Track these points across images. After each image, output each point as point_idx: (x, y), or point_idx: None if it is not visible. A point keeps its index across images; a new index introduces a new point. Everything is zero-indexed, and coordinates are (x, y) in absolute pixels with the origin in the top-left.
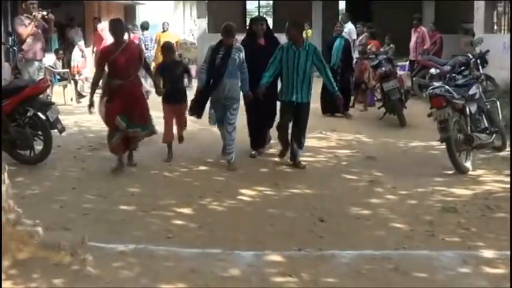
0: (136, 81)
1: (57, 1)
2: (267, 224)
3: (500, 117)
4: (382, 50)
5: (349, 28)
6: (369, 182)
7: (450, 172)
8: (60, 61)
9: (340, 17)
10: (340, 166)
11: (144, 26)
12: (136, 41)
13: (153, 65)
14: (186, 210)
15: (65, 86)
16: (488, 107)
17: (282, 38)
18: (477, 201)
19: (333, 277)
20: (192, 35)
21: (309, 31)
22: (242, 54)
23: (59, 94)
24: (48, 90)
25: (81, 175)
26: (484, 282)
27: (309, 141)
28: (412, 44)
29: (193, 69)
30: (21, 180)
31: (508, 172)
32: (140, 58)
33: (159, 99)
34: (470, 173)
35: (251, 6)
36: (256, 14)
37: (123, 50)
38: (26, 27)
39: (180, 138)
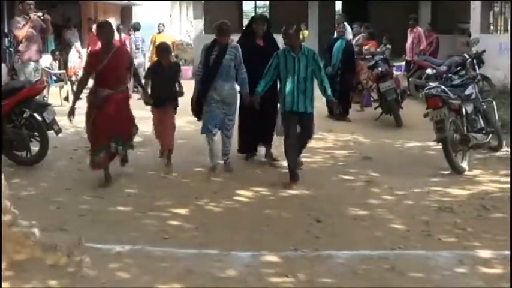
0: (125, 91)
1: (54, 2)
2: (263, 224)
3: (497, 117)
4: (378, 50)
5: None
6: (365, 183)
7: (446, 172)
8: (57, 62)
9: (336, 17)
10: (336, 167)
11: (135, 27)
12: (127, 42)
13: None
14: (182, 211)
15: (61, 87)
16: (485, 107)
17: (279, 39)
18: (473, 201)
19: (329, 277)
20: (189, 35)
21: (305, 32)
22: (239, 53)
23: (55, 95)
24: (45, 91)
25: (77, 176)
26: (480, 282)
27: None
28: (408, 44)
29: (189, 70)
30: (17, 181)
31: (504, 172)
32: (130, 64)
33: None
34: (466, 173)
35: (248, 7)
36: (253, 14)
37: (113, 56)
38: (21, 29)
39: (169, 151)
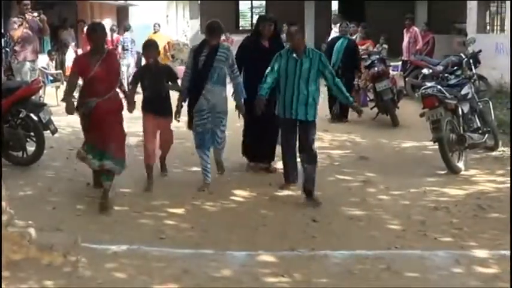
0: (115, 98)
1: (50, 2)
2: (259, 224)
3: (493, 117)
4: (375, 50)
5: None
6: (361, 182)
7: (443, 172)
8: (53, 62)
9: (332, 17)
10: (333, 166)
11: (125, 27)
12: (119, 42)
13: None
14: (178, 211)
15: (57, 87)
16: (481, 106)
17: None
18: (470, 201)
19: (325, 277)
20: (185, 35)
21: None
22: (231, 54)
23: (51, 95)
24: (41, 92)
25: (73, 176)
26: (476, 282)
27: None
28: (404, 44)
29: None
30: (13, 181)
31: (501, 172)
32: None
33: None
34: (462, 173)
35: (244, 7)
36: (249, 14)
37: (103, 62)
38: (16, 29)
39: (163, 165)
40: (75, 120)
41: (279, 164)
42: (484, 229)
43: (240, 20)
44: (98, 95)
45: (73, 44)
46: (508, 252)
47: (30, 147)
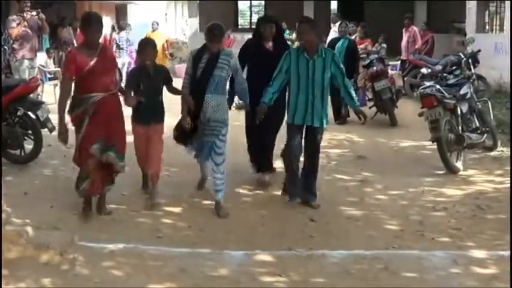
0: (116, 94)
1: (50, 1)
2: (257, 223)
3: (492, 117)
4: (374, 49)
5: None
6: (359, 182)
7: (441, 172)
8: (51, 60)
9: (331, 16)
10: (330, 166)
11: (120, 26)
12: (113, 41)
13: None
14: (176, 210)
15: (55, 85)
16: (480, 106)
17: None
18: (468, 201)
19: (322, 277)
20: (184, 34)
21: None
22: (234, 61)
23: (49, 93)
24: (39, 89)
25: (71, 174)
26: (474, 283)
27: None
28: (403, 43)
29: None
30: (11, 179)
31: (499, 172)
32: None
33: None
34: (461, 173)
35: (243, 6)
36: (248, 13)
37: (100, 56)
38: (15, 28)
39: (155, 177)
40: None
41: (277, 163)
42: (482, 229)
43: (239, 18)
44: (98, 91)
45: (74, 41)
46: (506, 253)
47: (28, 146)
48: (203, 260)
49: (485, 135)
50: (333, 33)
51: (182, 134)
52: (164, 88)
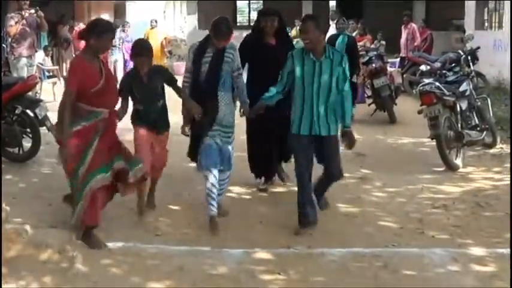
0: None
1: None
2: (256, 221)
3: (491, 114)
4: (373, 46)
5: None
6: (358, 179)
7: (440, 169)
8: (49, 58)
9: (330, 13)
10: None
11: (115, 25)
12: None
13: None
14: (175, 208)
15: (54, 83)
16: (479, 103)
17: None
18: (467, 198)
19: (321, 275)
20: (182, 31)
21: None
22: (237, 55)
23: (48, 91)
24: (37, 87)
25: None
26: (473, 281)
27: None
28: (402, 40)
29: (182, 66)
30: (9, 178)
31: (498, 169)
32: None
33: None
34: (460, 170)
35: (242, 3)
36: (247, 10)
37: (105, 68)
38: (13, 25)
39: (151, 198)
40: None
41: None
42: (481, 227)
43: (238, 15)
44: (105, 107)
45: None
46: (506, 251)
47: (27, 144)
48: (202, 258)
49: (485, 132)
50: (332, 30)
51: (194, 150)
52: (165, 89)
